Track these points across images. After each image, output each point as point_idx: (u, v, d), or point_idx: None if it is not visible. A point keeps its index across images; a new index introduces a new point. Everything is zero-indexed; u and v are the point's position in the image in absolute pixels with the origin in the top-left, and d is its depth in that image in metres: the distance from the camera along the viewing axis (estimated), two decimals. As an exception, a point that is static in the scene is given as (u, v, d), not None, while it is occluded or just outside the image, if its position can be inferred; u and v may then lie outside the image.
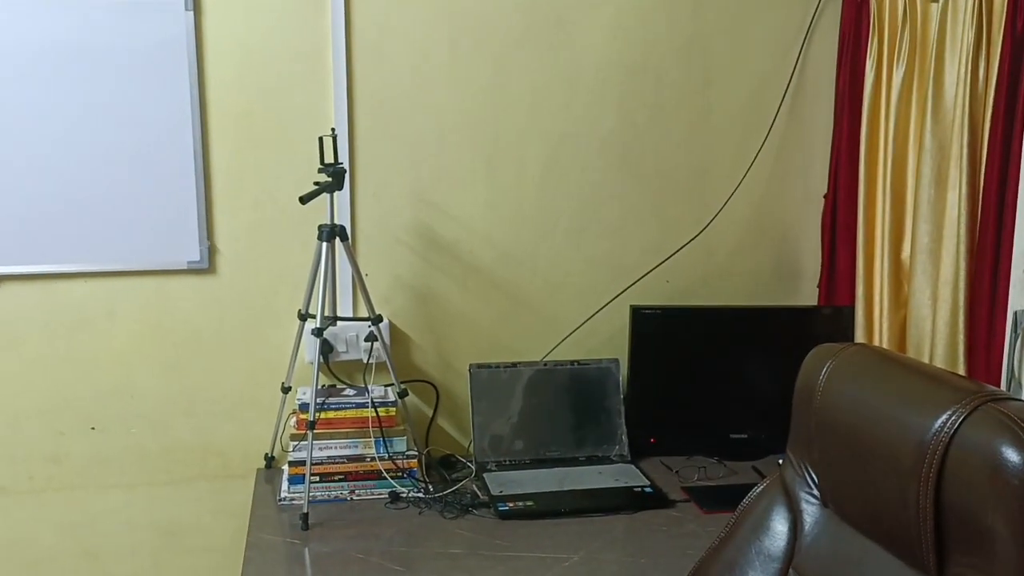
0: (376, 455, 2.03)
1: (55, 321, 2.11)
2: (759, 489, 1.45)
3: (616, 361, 2.28)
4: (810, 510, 1.34)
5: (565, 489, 2.05)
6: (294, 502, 1.98)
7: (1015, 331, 1.69)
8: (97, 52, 2.02)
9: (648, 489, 2.06)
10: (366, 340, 2.16)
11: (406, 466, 2.05)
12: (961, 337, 1.91)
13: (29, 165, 2.02)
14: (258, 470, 2.21)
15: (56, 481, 2.17)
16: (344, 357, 2.21)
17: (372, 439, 2.04)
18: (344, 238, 2.03)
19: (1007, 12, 1.79)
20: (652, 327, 2.27)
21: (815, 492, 1.34)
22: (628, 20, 2.27)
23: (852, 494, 1.23)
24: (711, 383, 2.30)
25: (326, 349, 2.17)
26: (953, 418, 1.05)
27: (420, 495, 2.01)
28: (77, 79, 2.02)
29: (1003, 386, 1.74)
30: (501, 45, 2.22)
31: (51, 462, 2.16)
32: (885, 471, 1.13)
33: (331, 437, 2.04)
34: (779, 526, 1.37)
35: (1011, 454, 0.97)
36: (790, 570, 1.33)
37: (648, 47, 2.29)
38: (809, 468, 1.35)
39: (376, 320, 2.07)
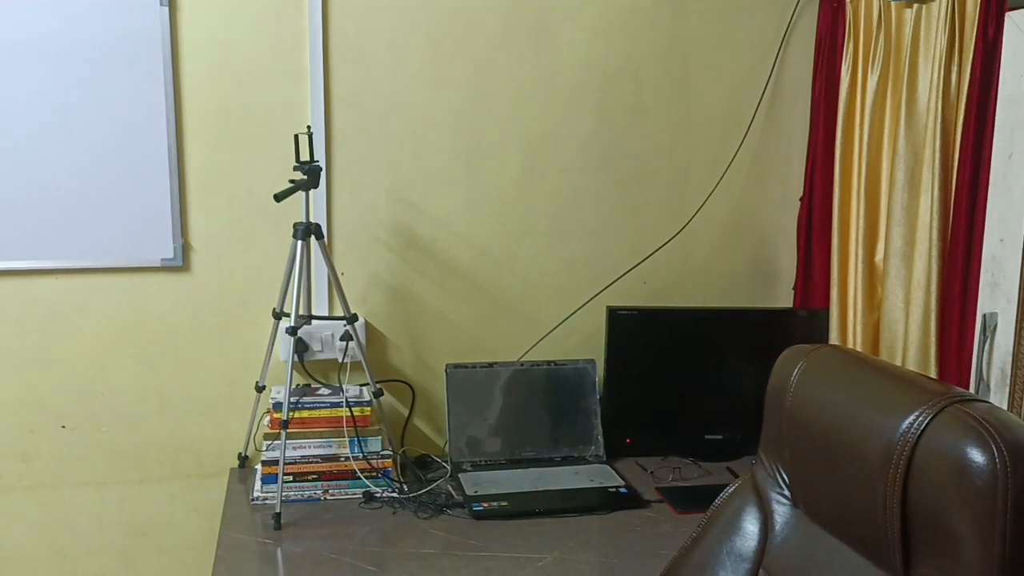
0: (350, 455, 2.02)
1: (26, 318, 2.08)
2: (731, 489, 1.45)
3: (592, 362, 2.29)
4: (781, 510, 1.34)
5: (540, 489, 2.05)
6: (267, 502, 1.97)
7: (984, 334, 1.71)
8: (70, 47, 1.99)
9: (623, 489, 2.06)
10: (341, 339, 2.15)
11: (380, 466, 2.04)
12: (933, 339, 1.93)
13: (1, 160, 2.00)
14: (231, 469, 2.19)
15: (26, 479, 2.14)
16: (319, 356, 2.20)
17: (346, 439, 2.03)
18: (319, 236, 2.02)
19: (979, 18, 1.81)
20: (629, 328, 2.27)
21: (786, 492, 1.34)
22: (609, 23, 2.28)
23: (822, 494, 1.24)
24: (687, 384, 2.31)
25: (301, 348, 2.16)
26: (920, 419, 1.06)
27: (394, 495, 2.01)
28: (49, 74, 1.99)
29: (972, 388, 1.76)
30: (481, 45, 2.22)
31: (21, 460, 2.13)
32: (854, 472, 1.14)
33: (305, 437, 2.02)
34: (750, 526, 1.38)
35: (976, 455, 0.98)
36: (760, 570, 1.34)
37: (628, 50, 2.30)
38: (780, 468, 1.35)
39: (351, 319, 2.06)
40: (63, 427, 2.14)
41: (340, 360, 2.16)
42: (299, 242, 1.98)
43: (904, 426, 1.07)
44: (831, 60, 2.28)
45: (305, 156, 2.01)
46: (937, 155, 1.91)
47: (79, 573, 2.20)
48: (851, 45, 2.18)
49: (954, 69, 1.90)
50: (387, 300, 2.27)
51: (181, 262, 2.12)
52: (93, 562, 2.20)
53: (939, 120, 1.90)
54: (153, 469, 2.20)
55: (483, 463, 2.18)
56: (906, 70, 2.01)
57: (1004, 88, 1.71)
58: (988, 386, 1.71)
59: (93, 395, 2.14)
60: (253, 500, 1.99)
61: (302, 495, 2.00)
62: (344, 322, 2.07)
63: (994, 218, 1.72)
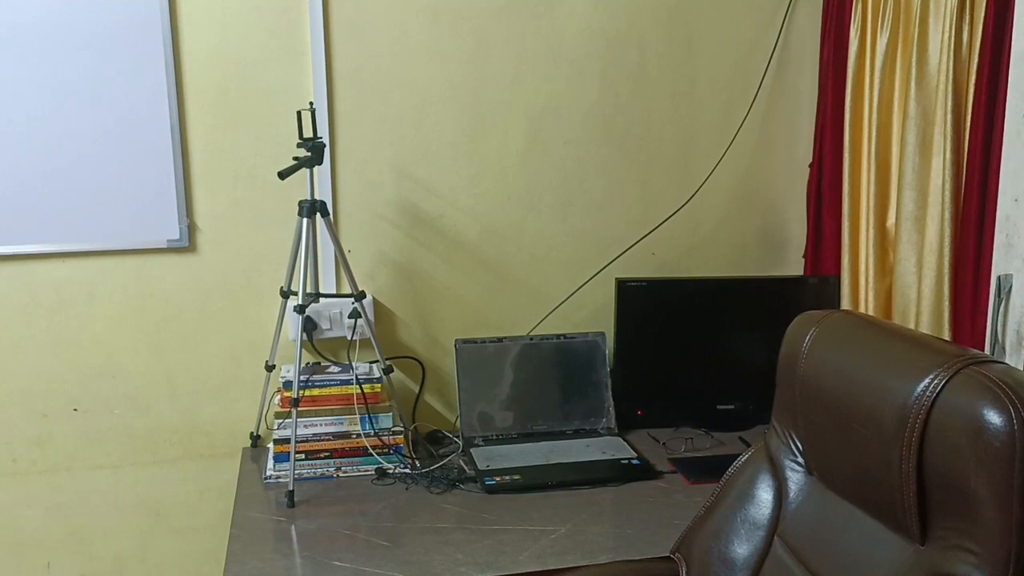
0: (362, 432, 2.02)
1: (34, 303, 2.08)
2: (744, 458, 1.45)
3: (602, 334, 2.28)
4: (795, 478, 1.34)
5: (552, 463, 2.05)
6: (280, 480, 1.97)
7: (998, 295, 1.68)
8: (70, 28, 1.98)
9: (635, 461, 2.06)
10: (350, 317, 2.14)
11: (392, 442, 2.04)
12: (946, 304, 1.91)
13: (3, 144, 1.99)
14: (244, 449, 2.20)
15: (40, 463, 2.15)
16: (328, 334, 2.19)
17: (357, 416, 2.03)
18: (325, 214, 2.00)
19: (991, -25, 1.77)
20: (638, 300, 2.26)
21: (799, 460, 1.34)
22: (610, -11, 2.24)
23: (836, 460, 1.23)
24: (698, 355, 2.30)
25: (309, 327, 2.16)
26: (935, 382, 1.05)
27: (407, 471, 2.01)
28: (50, 57, 1.98)
29: (987, 351, 1.74)
30: (482, 16, 2.19)
31: (35, 444, 2.14)
32: (868, 436, 1.13)
33: (316, 415, 2.02)
34: (764, 494, 1.37)
35: (993, 416, 0.97)
36: (775, 537, 1.34)
37: (631, 17, 2.27)
38: (793, 436, 1.35)
39: (359, 296, 2.05)
40: (75, 410, 2.14)
41: (349, 338, 2.15)
42: (305, 220, 1.96)
43: (919, 389, 1.05)
44: (839, 22, 2.24)
45: (308, 132, 1.99)
46: (949, 116, 1.88)
47: (96, 555, 2.21)
48: (860, 5, 2.14)
49: (965, 27, 1.86)
50: (394, 277, 2.26)
51: (187, 243, 2.12)
52: (109, 544, 2.22)
53: (950, 80, 1.87)
54: (166, 450, 2.20)
55: (494, 437, 2.18)
56: (916, 30, 1.97)
57: (1017, 44, 1.67)
58: (1004, 348, 1.69)
59: (104, 378, 2.14)
60: (266, 479, 1.99)
61: (315, 473, 2.00)
62: (352, 299, 2.07)
63: (1008, 177, 1.69)
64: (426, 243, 2.26)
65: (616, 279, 2.26)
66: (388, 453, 2.03)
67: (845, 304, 2.22)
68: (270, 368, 2.13)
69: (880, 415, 1.10)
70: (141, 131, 2.05)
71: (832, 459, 1.24)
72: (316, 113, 2.06)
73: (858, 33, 2.15)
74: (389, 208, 2.22)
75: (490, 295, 2.32)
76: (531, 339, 2.25)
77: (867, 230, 2.16)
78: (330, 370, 2.11)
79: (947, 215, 1.89)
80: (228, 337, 2.18)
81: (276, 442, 2.00)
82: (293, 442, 1.93)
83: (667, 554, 1.51)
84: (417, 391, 2.31)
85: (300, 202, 1.98)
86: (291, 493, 1.87)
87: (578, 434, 2.21)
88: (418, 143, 2.21)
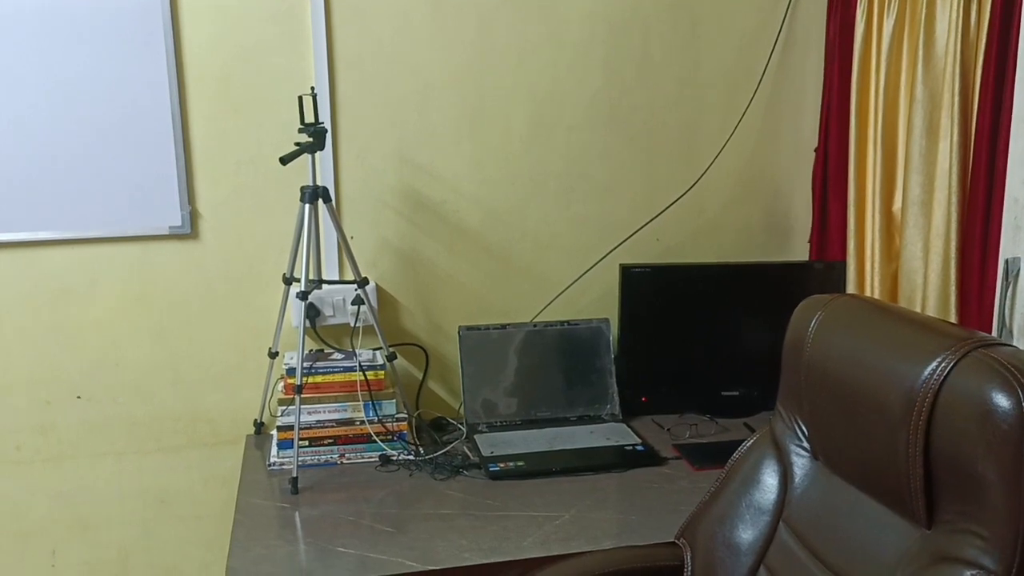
0: (365, 419, 2.02)
1: (37, 290, 2.08)
2: (749, 443, 1.44)
3: (607, 320, 2.27)
4: (800, 463, 1.33)
5: (556, 449, 2.04)
6: (284, 467, 1.97)
7: (1006, 279, 1.67)
8: (72, 16, 1.96)
9: (639, 447, 2.05)
10: (353, 304, 2.13)
11: (396, 429, 2.04)
12: (953, 288, 1.90)
13: (5, 132, 1.98)
14: (247, 436, 2.20)
15: (44, 451, 2.15)
16: (331, 321, 2.18)
17: (361, 403, 2.03)
18: (327, 200, 1.99)
19: (999, -45, 1.75)
20: (642, 285, 2.25)
21: (805, 444, 1.33)
22: (613, -28, 2.22)
23: (842, 445, 1.22)
24: (702, 341, 2.28)
25: (312, 313, 2.15)
26: (943, 365, 1.04)
27: (410, 457, 2.01)
28: (52, 44, 1.97)
29: (995, 335, 1.72)
30: (485, 0, 2.17)
31: (38, 432, 2.14)
32: (875, 420, 1.12)
33: (320, 401, 2.02)
34: (769, 479, 1.36)
35: (1001, 399, 0.96)
36: (780, 523, 1.33)
37: (634, 0, 2.25)
38: (799, 420, 1.34)
39: (362, 283, 2.05)
40: (79, 398, 2.14)
41: (352, 324, 2.15)
42: (307, 206, 1.95)
43: (927, 372, 1.04)
44: (845, 5, 2.22)
45: (310, 118, 1.98)
46: (956, 99, 1.86)
47: (101, 543, 2.22)
48: (866, -12, 2.12)
49: (973, 8, 1.84)
50: (397, 263, 2.25)
51: (189, 229, 2.11)
52: (114, 532, 2.22)
53: (958, 62, 1.85)
54: (170, 438, 2.20)
55: (498, 424, 2.17)
56: (923, 11, 1.95)
57: (1026, 25, 1.65)
58: (1011, 332, 1.67)
59: (107, 366, 2.14)
60: (270, 466, 1.99)
61: (318, 459, 2.00)
62: (355, 286, 2.06)
63: (1017, 159, 1.67)
64: (429, 229, 2.25)
65: (620, 265, 2.24)
66: (392, 440, 2.03)
67: (851, 289, 2.21)
68: (273, 355, 2.13)
69: (887, 399, 1.09)
70: (142, 118, 2.04)
71: (838, 444, 1.23)
72: (318, 99, 2.05)
73: (864, 15, 2.13)
74: (392, 194, 2.21)
75: (493, 281, 2.31)
76: (535, 326, 2.25)
77: (873, 215, 2.14)
78: (333, 357, 2.10)
79: (954, 199, 1.88)
80: (231, 324, 2.18)
81: (280, 429, 2.00)
82: (297, 429, 1.93)
83: (672, 539, 1.50)
84: (420, 378, 2.31)
85: (302, 188, 1.97)
86: (295, 480, 1.87)
87: (582, 420, 2.20)
88: (421, 128, 2.20)
